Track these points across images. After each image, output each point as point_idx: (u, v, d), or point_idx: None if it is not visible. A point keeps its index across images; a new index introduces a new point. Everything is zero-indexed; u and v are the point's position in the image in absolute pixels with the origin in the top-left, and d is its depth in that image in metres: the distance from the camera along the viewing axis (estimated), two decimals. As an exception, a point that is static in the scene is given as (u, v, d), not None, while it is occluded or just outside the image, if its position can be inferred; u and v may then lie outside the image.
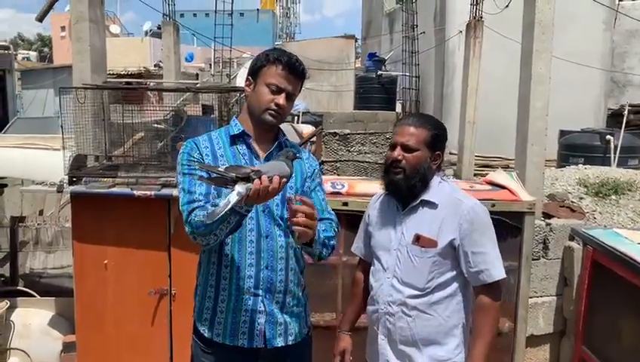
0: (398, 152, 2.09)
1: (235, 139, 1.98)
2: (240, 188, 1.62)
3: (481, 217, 2.09)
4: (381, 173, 2.20)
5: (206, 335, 1.98)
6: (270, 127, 1.98)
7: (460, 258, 2.08)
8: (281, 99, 1.91)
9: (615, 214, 4.63)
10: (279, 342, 1.98)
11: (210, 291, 1.97)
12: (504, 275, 2.08)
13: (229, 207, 1.62)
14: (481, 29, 5.88)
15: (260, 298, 1.94)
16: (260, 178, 1.63)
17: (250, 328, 1.94)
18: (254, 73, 1.96)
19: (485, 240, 2.07)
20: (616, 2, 10.61)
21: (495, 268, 2.06)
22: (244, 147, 1.98)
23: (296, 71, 1.93)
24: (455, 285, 2.10)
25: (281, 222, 1.95)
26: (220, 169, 1.70)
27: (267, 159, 1.96)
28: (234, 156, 1.95)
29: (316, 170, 2.11)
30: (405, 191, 2.09)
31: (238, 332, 1.95)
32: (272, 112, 1.93)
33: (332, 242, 1.99)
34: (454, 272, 2.09)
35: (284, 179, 1.69)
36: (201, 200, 1.84)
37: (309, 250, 1.92)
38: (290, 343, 2.01)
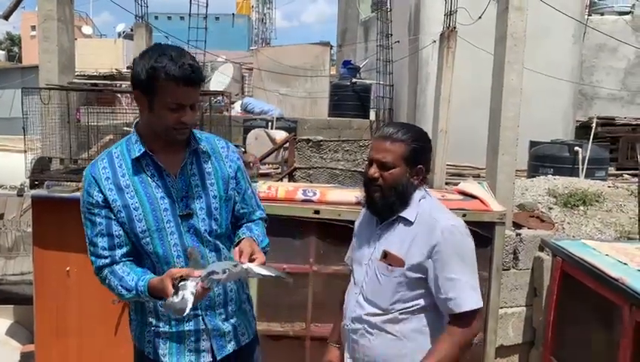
0: (374, 170, 1.93)
1: (139, 160, 1.80)
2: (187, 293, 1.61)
3: (457, 239, 1.88)
4: (362, 187, 2.05)
5: (151, 357, 1.89)
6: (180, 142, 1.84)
7: (430, 282, 1.88)
8: (186, 116, 1.74)
9: (583, 225, 4.70)
10: (230, 348, 1.92)
11: (151, 317, 1.88)
12: (477, 305, 1.85)
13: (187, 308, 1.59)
14: (454, 40, 5.90)
15: (200, 317, 1.87)
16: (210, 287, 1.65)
17: (196, 347, 1.88)
18: (146, 88, 1.71)
19: (458, 266, 1.85)
20: (586, 17, 10.87)
21: (465, 298, 1.83)
22: (152, 167, 1.81)
23: (194, 82, 1.73)
24: (422, 315, 1.92)
25: (209, 237, 1.85)
26: (201, 274, 1.64)
27: (182, 174, 1.82)
28: (141, 182, 1.79)
29: (240, 167, 1.97)
30: (381, 208, 1.96)
31: (185, 351, 1.88)
32: (180, 130, 1.77)
33: (267, 248, 1.97)
34: (422, 299, 1.91)
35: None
36: (106, 258, 1.79)
37: None
38: (243, 344, 1.96)
